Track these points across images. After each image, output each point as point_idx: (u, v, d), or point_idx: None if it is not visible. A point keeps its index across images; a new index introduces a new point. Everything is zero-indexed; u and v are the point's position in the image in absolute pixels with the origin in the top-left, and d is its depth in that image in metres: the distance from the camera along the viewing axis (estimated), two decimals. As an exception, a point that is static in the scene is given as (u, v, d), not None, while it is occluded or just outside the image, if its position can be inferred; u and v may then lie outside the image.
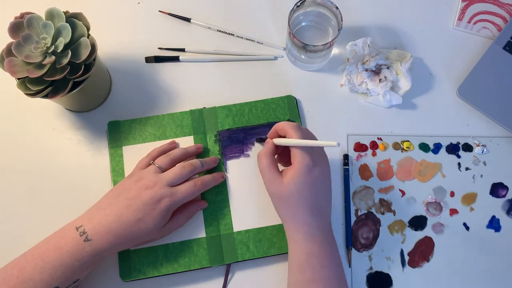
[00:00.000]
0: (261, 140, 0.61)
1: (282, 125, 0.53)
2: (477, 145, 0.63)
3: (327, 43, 0.59)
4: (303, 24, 0.65)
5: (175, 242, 0.57)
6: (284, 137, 0.53)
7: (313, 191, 0.50)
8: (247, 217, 0.59)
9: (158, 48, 0.67)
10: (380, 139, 0.63)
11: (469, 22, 0.68)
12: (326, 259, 0.50)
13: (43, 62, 0.53)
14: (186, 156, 0.59)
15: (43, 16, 0.55)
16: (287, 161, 0.54)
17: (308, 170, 0.50)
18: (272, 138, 0.55)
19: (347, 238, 0.59)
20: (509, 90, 0.64)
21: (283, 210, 0.52)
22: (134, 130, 0.62)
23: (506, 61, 0.65)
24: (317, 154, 0.52)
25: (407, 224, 0.60)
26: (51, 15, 0.55)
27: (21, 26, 0.54)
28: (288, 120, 0.62)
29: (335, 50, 0.67)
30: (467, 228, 0.60)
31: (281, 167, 0.56)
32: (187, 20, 0.68)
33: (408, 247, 0.59)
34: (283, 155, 0.57)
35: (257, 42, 0.67)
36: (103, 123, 0.63)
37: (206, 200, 0.59)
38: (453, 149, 0.63)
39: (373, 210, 0.60)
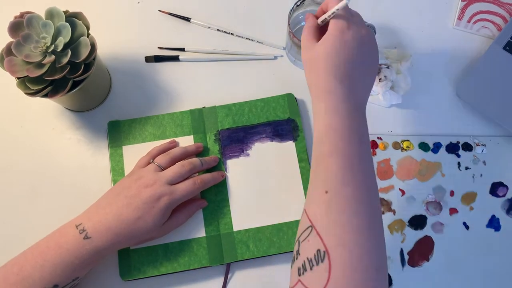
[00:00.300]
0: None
1: (325, 1, 0.49)
2: (477, 145, 0.63)
3: (327, 43, 0.59)
4: (303, 23, 0.65)
5: (175, 242, 0.57)
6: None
7: (342, 55, 0.46)
8: (247, 216, 0.58)
9: (158, 47, 0.67)
10: (380, 138, 0.63)
11: (469, 21, 0.68)
12: (347, 134, 0.44)
13: (43, 62, 0.53)
14: (186, 155, 0.59)
15: (43, 15, 0.55)
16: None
17: (340, 31, 0.46)
18: (311, 13, 0.52)
19: (347, 237, 0.59)
20: (509, 90, 0.64)
21: (307, 74, 0.48)
22: (134, 129, 0.62)
23: (506, 61, 0.65)
24: (356, 21, 0.48)
25: (407, 224, 0.60)
26: (51, 14, 0.55)
27: (21, 26, 0.54)
28: (288, 119, 0.62)
29: (335, 50, 0.67)
30: (467, 227, 0.60)
31: None
32: (187, 19, 0.68)
33: (408, 246, 0.59)
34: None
35: (257, 41, 0.67)
36: (103, 122, 0.63)
37: (206, 199, 0.59)
38: (453, 148, 0.63)
39: (373, 210, 0.60)
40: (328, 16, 0.48)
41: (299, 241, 0.42)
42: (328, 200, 0.42)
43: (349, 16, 0.47)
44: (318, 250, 0.40)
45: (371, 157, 0.46)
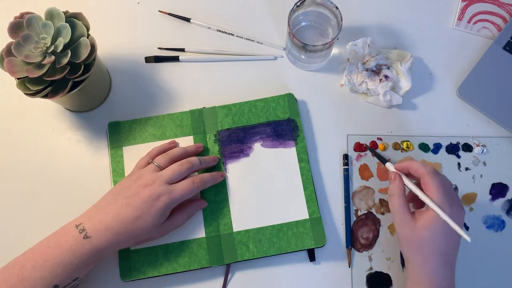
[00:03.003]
0: (381, 159, 0.58)
1: (417, 166, 0.51)
2: (477, 145, 0.63)
3: (327, 43, 0.59)
4: (303, 24, 0.65)
5: (175, 242, 0.57)
6: (414, 178, 0.53)
7: (446, 241, 0.49)
8: (247, 217, 0.58)
9: (158, 48, 0.67)
10: (380, 139, 0.63)
11: (469, 22, 0.68)
12: None
13: (42, 62, 0.53)
14: (185, 155, 0.59)
15: (42, 16, 0.55)
16: (416, 200, 0.54)
17: (445, 226, 0.49)
18: (399, 171, 0.53)
19: (347, 238, 0.59)
20: (509, 90, 0.64)
21: (413, 254, 0.51)
22: (134, 130, 0.62)
23: (506, 61, 0.64)
24: (456, 204, 0.50)
25: (407, 224, 0.60)
26: (51, 15, 0.55)
27: (20, 26, 0.54)
28: (288, 119, 0.62)
29: (335, 50, 0.67)
30: (467, 228, 0.60)
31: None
32: (187, 20, 0.68)
33: (408, 247, 0.59)
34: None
35: (257, 42, 0.67)
36: (103, 123, 0.63)
37: (206, 199, 0.59)
38: (453, 149, 0.63)
39: (373, 210, 0.60)
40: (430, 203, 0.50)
41: None
42: None
43: (451, 201, 0.49)
44: None
45: None
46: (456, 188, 0.61)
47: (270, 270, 0.58)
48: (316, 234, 0.57)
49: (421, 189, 0.51)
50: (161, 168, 0.56)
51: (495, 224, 0.60)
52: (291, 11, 0.60)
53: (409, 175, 0.53)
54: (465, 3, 0.69)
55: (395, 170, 0.54)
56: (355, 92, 0.65)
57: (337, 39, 0.61)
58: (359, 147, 0.63)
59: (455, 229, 0.48)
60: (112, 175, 0.60)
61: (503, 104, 0.63)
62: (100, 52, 0.61)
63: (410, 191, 0.53)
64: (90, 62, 0.55)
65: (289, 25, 0.60)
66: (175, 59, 0.66)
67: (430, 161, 0.62)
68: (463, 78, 0.65)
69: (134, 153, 0.60)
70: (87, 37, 0.55)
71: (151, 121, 0.62)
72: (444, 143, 0.63)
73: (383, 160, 0.57)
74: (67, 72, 0.53)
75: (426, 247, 0.49)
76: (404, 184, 0.52)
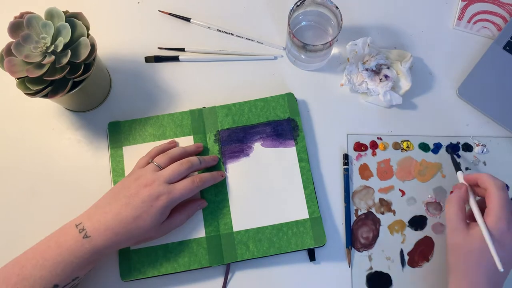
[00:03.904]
0: (456, 165, 0.58)
1: (486, 178, 0.50)
2: (477, 145, 0.63)
3: (327, 43, 0.59)
4: (303, 23, 0.65)
5: (175, 242, 0.57)
6: (479, 188, 0.52)
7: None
8: (247, 216, 0.58)
9: (158, 48, 0.67)
10: (380, 138, 0.63)
11: (469, 22, 0.68)
12: None
13: (42, 62, 0.53)
14: (185, 155, 0.59)
15: (42, 15, 0.55)
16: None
17: (500, 233, 0.47)
18: (467, 181, 0.53)
19: (347, 237, 0.59)
20: (509, 90, 0.64)
21: (458, 263, 0.49)
22: (134, 130, 0.62)
23: (506, 61, 0.64)
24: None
25: (407, 224, 0.60)
26: (51, 14, 0.55)
27: (20, 26, 0.54)
28: (288, 118, 0.62)
29: (335, 50, 0.67)
30: (467, 228, 0.60)
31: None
32: (187, 20, 0.68)
33: (408, 247, 0.59)
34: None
35: (257, 42, 0.67)
36: (103, 123, 0.63)
37: (206, 199, 0.59)
38: (453, 149, 0.63)
39: (373, 210, 0.60)
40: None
41: None
42: None
43: (510, 218, 0.48)
44: None
45: None
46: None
47: (270, 270, 0.58)
48: (316, 233, 0.57)
49: (482, 207, 0.50)
50: (161, 168, 0.56)
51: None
52: (291, 11, 0.60)
53: (476, 187, 0.53)
54: (465, 3, 0.69)
55: (463, 181, 0.54)
56: (355, 92, 0.65)
57: (337, 40, 0.61)
58: (359, 147, 0.63)
59: (490, 251, 0.46)
60: (112, 175, 0.60)
61: (503, 104, 0.63)
62: (100, 52, 0.61)
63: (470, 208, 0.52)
64: (90, 62, 0.55)
65: (289, 25, 0.60)
66: (175, 59, 0.66)
67: (430, 161, 0.62)
68: (463, 78, 0.65)
69: (134, 153, 0.60)
70: (87, 37, 0.55)
71: (151, 121, 0.62)
72: (444, 143, 0.63)
73: (457, 167, 0.57)
74: (67, 72, 0.53)
75: (473, 256, 0.47)
76: (467, 194, 0.52)
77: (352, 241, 0.59)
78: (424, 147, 0.63)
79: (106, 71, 0.65)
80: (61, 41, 0.53)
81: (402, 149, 0.63)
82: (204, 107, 0.63)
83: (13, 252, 0.50)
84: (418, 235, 0.60)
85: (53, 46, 0.53)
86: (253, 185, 0.60)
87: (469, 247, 0.48)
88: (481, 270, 0.47)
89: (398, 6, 0.69)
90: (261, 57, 0.67)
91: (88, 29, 0.56)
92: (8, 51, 0.54)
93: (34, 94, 0.54)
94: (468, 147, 0.63)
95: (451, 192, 0.54)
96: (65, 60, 0.53)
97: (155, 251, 0.57)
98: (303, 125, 0.63)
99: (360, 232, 0.60)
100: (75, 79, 0.54)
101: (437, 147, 0.63)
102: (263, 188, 0.60)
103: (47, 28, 0.54)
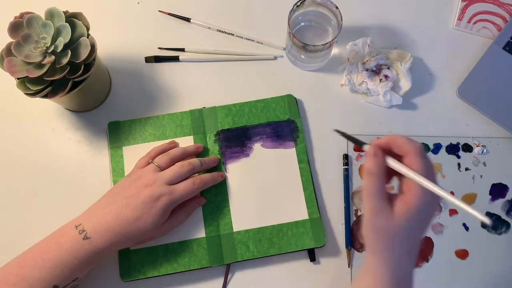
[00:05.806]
0: (356, 141, 0.48)
1: (402, 142, 0.42)
2: (477, 146, 0.63)
3: (327, 43, 0.59)
4: (303, 24, 0.65)
5: (175, 242, 0.57)
6: (396, 155, 0.43)
7: (419, 235, 0.43)
8: (247, 217, 0.58)
9: (158, 48, 0.67)
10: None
11: (469, 22, 0.68)
12: None
13: (42, 62, 0.53)
14: (185, 155, 0.59)
15: (42, 16, 0.55)
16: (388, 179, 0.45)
17: (425, 213, 0.42)
18: (378, 146, 0.43)
19: (347, 238, 0.59)
20: (509, 90, 0.64)
21: (380, 246, 0.42)
22: (134, 130, 0.62)
23: (506, 61, 0.64)
24: (435, 195, 0.41)
25: (407, 224, 0.60)
26: (51, 14, 0.55)
27: (20, 26, 0.54)
28: (288, 119, 0.62)
29: (335, 50, 0.67)
30: (467, 228, 0.60)
31: None
32: (187, 20, 0.68)
33: (408, 247, 0.59)
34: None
35: (257, 42, 0.67)
36: (103, 123, 0.63)
37: (206, 199, 0.59)
38: (453, 149, 0.63)
39: (373, 210, 0.60)
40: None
41: None
42: None
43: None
44: None
45: None
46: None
47: (270, 270, 0.58)
48: (316, 234, 0.57)
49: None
50: (161, 169, 0.55)
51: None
52: (291, 11, 0.60)
53: (390, 153, 0.44)
54: (465, 3, 0.69)
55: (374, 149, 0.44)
56: (355, 92, 0.65)
57: (336, 41, 0.61)
58: (359, 147, 0.62)
59: (467, 210, 0.38)
60: (112, 175, 0.60)
61: (503, 104, 0.63)
62: (100, 52, 0.61)
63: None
64: (90, 62, 0.55)
65: (289, 25, 0.60)
66: (175, 59, 0.66)
67: (430, 161, 0.62)
68: (463, 78, 0.65)
69: (134, 153, 0.60)
70: (87, 37, 0.55)
71: (151, 121, 0.62)
72: (444, 143, 0.63)
73: (360, 143, 0.47)
74: (67, 72, 0.53)
75: (398, 239, 0.42)
76: (384, 163, 0.43)
77: (352, 241, 0.59)
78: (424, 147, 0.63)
79: (106, 71, 0.65)
80: (61, 41, 0.53)
81: (402, 149, 0.63)
82: (204, 107, 0.63)
83: (13, 252, 0.50)
84: (418, 235, 0.60)
85: (53, 46, 0.53)
86: (253, 186, 0.60)
87: (395, 231, 0.41)
88: (403, 250, 0.42)
89: (398, 6, 0.69)
90: (261, 57, 0.67)
91: (88, 29, 0.56)
92: (8, 51, 0.54)
93: (34, 94, 0.54)
94: (468, 148, 0.63)
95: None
96: (65, 60, 0.53)
97: (155, 251, 0.57)
98: (303, 125, 0.63)
99: (360, 232, 0.60)
100: (75, 79, 0.54)
101: (437, 148, 0.63)
102: (263, 188, 0.60)
103: (47, 28, 0.54)
